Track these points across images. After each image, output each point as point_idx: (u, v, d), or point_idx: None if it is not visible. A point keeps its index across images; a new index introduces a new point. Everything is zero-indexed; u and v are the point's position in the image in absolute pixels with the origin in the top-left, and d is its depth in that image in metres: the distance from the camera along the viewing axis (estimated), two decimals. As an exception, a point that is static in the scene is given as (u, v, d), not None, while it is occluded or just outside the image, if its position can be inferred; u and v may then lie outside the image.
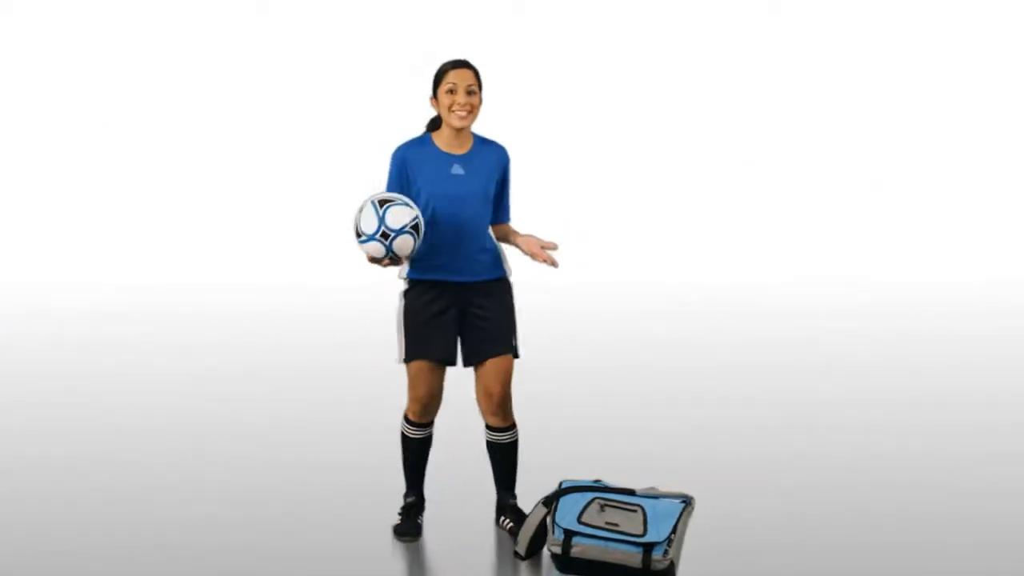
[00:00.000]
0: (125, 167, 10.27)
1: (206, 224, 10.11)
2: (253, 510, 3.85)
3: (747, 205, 10.04)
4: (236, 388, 5.69)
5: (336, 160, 10.05)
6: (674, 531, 3.16)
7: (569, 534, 3.20)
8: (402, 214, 3.28)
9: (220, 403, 5.37)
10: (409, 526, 3.60)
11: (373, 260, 3.35)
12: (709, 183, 10.03)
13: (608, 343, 6.67)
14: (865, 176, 10.17)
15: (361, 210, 3.31)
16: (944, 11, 10.02)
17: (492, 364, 3.53)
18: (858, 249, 9.94)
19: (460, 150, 3.51)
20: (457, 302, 3.50)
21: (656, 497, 3.25)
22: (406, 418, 3.66)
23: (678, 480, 4.09)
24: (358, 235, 3.31)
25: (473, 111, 3.45)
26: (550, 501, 3.29)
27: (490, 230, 3.60)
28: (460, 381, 3.78)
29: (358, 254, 3.39)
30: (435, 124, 3.56)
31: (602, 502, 3.24)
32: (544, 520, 3.29)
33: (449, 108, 3.43)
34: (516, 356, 3.59)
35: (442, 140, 3.51)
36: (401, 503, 3.73)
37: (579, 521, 3.21)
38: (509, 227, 3.66)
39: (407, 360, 3.54)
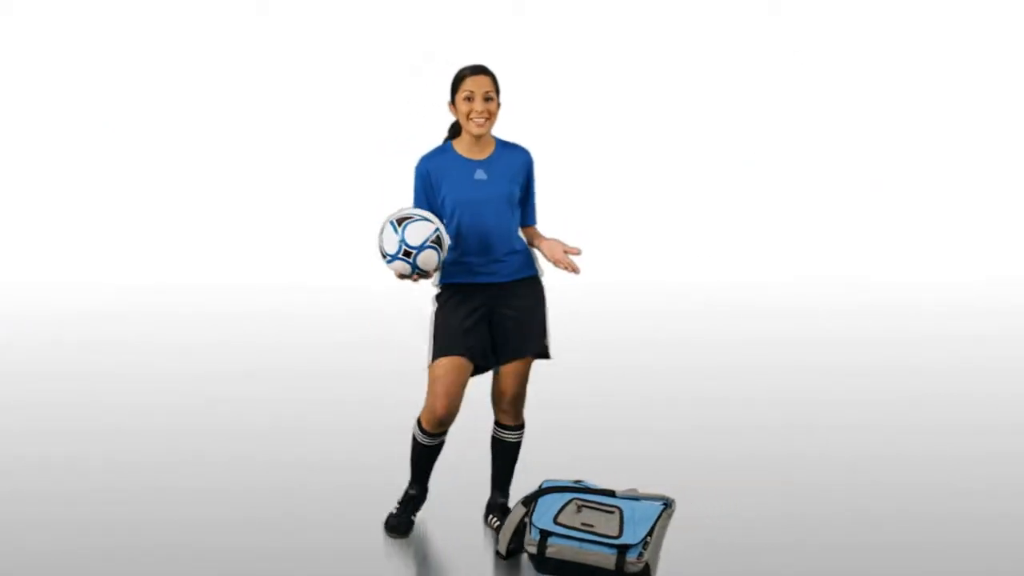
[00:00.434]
0: (125, 167, 10.27)
1: (206, 224, 10.11)
2: (253, 510, 3.85)
3: (747, 205, 10.04)
4: (236, 388, 5.69)
5: (336, 160, 10.06)
6: (650, 534, 3.14)
7: (545, 534, 3.19)
8: (422, 229, 3.29)
9: (220, 403, 5.37)
10: (401, 521, 3.60)
11: (403, 277, 3.36)
12: (709, 183, 10.03)
13: (608, 343, 6.67)
14: (865, 176, 10.17)
15: (382, 231, 3.33)
16: (944, 11, 10.02)
17: (512, 366, 3.54)
18: (858, 249, 9.94)
19: (482, 155, 3.52)
20: (487, 303, 3.50)
21: (636, 499, 3.23)
22: (419, 425, 3.59)
23: (678, 480, 4.10)
24: (383, 256, 3.33)
25: (491, 118, 3.46)
26: (529, 501, 3.30)
27: (520, 232, 3.61)
28: (473, 381, 3.75)
29: (385, 271, 3.40)
30: (456, 130, 3.57)
31: (580, 503, 3.23)
32: (523, 519, 3.28)
33: (468, 116, 3.43)
34: (547, 356, 3.60)
35: (463, 146, 3.52)
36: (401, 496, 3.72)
37: (555, 521, 3.20)
38: (535, 230, 3.66)
39: (435, 359, 3.49)
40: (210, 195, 10.17)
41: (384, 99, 9.87)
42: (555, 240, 3.57)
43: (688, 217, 9.58)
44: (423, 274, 3.34)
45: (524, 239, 3.61)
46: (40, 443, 4.67)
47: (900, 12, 10.04)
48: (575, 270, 3.51)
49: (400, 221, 3.31)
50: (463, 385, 3.50)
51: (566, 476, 3.61)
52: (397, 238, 3.29)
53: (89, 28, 10.16)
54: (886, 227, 10.06)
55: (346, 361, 6.34)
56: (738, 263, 9.14)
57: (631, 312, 7.59)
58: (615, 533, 3.13)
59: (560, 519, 3.20)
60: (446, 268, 3.48)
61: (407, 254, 3.28)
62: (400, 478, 4.12)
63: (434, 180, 3.47)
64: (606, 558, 3.12)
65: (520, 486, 3.74)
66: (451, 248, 3.43)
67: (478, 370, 3.55)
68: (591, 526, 3.16)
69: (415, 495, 3.68)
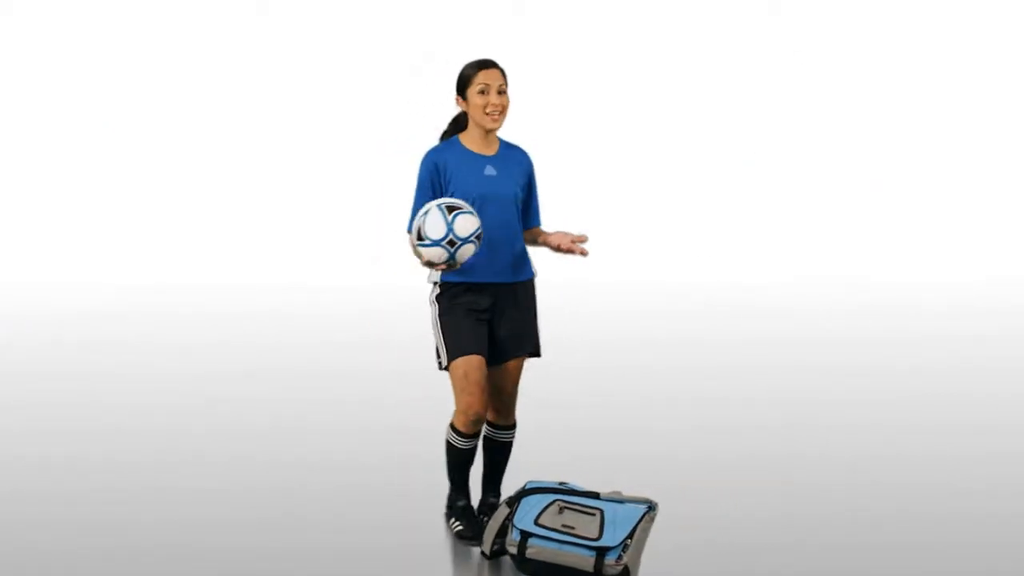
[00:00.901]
0: (125, 167, 10.26)
1: (206, 224, 10.11)
2: (253, 510, 3.85)
3: (747, 205, 10.03)
4: (236, 388, 5.69)
5: (336, 160, 10.06)
6: (630, 536, 3.12)
7: (525, 535, 3.18)
8: (470, 223, 3.25)
9: (220, 403, 5.37)
10: (476, 530, 3.54)
11: (428, 263, 3.30)
12: (709, 183, 10.03)
13: (608, 343, 6.67)
14: (865, 176, 10.17)
15: (427, 213, 3.26)
16: (944, 11, 10.02)
17: (509, 365, 3.53)
18: (858, 249, 9.94)
19: (490, 151, 3.50)
20: (490, 303, 3.49)
21: (621, 502, 3.21)
22: (454, 429, 3.53)
23: (678, 480, 4.10)
24: (420, 238, 3.25)
25: (504, 112, 3.45)
26: (513, 501, 3.29)
27: (524, 233, 3.61)
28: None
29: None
30: (460, 124, 3.55)
31: (562, 504, 3.21)
32: (506, 520, 3.28)
33: (484, 109, 3.42)
34: (539, 355, 3.60)
35: (471, 141, 3.50)
36: (445, 507, 3.71)
37: (536, 523, 3.19)
38: (539, 230, 3.66)
39: (453, 359, 3.45)
40: (210, 195, 10.17)
41: (384, 99, 9.87)
42: (561, 232, 3.57)
43: (688, 217, 9.58)
44: (452, 266, 3.31)
45: (523, 240, 3.61)
46: (40, 443, 4.67)
47: (900, 12, 10.04)
48: (584, 253, 3.52)
49: (451, 209, 3.25)
50: (484, 384, 3.47)
51: (567, 477, 3.61)
52: (445, 225, 3.22)
53: (89, 28, 10.16)
54: (886, 227, 10.05)
55: (346, 361, 6.34)
56: (738, 263, 9.14)
57: (631, 312, 7.59)
58: (595, 535, 3.12)
59: (541, 520, 3.19)
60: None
61: (451, 243, 3.23)
62: (400, 478, 4.12)
63: (443, 172, 3.44)
64: (584, 560, 3.11)
65: (517, 486, 3.73)
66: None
67: None
68: (571, 528, 3.15)
69: (467, 505, 3.63)
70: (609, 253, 9.41)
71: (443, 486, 3.74)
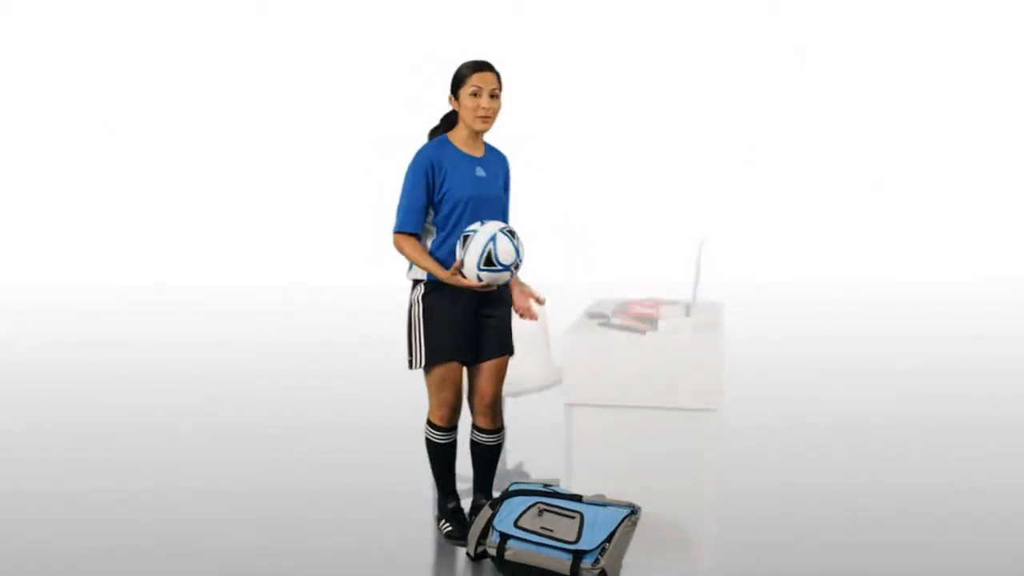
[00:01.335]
0: (125, 167, 10.28)
1: (207, 224, 10.12)
2: (253, 510, 3.85)
3: (747, 205, 10.04)
4: (236, 388, 5.69)
5: (336, 160, 10.07)
6: (609, 540, 3.12)
7: (504, 537, 3.18)
8: (523, 245, 3.33)
9: (220, 403, 5.37)
10: (465, 531, 3.55)
11: (484, 287, 3.31)
12: (709, 183, 10.04)
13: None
14: (865, 176, 10.18)
15: (494, 239, 3.24)
16: (944, 11, 10.03)
17: (490, 365, 3.52)
18: (858, 249, 9.95)
19: (478, 152, 3.50)
20: (473, 303, 3.49)
21: (603, 505, 3.20)
22: (431, 424, 3.56)
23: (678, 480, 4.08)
24: (490, 264, 3.24)
25: (495, 115, 3.44)
26: (496, 503, 3.28)
27: None
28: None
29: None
30: (451, 122, 3.54)
31: (543, 507, 3.20)
32: (488, 522, 3.27)
33: (474, 112, 3.42)
34: (513, 353, 3.61)
35: (461, 141, 3.49)
36: (435, 508, 3.70)
37: (515, 525, 3.18)
38: None
39: (433, 363, 3.46)
40: (210, 195, 10.18)
41: (384, 99, 9.88)
42: (525, 289, 3.61)
43: (688, 217, 9.59)
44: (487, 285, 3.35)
45: None
46: (40, 443, 4.67)
47: (900, 12, 10.05)
48: (533, 318, 3.62)
49: (512, 234, 3.29)
50: (461, 384, 3.53)
51: (567, 478, 3.60)
52: (515, 250, 3.26)
53: (89, 28, 10.17)
54: (886, 227, 10.07)
55: (346, 361, 6.34)
56: (738, 263, 9.14)
57: (631, 312, 7.58)
58: (572, 538, 3.11)
59: (520, 522, 3.18)
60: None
61: (516, 267, 3.28)
62: (398, 478, 4.12)
63: (438, 172, 3.42)
64: (561, 563, 3.09)
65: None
66: (444, 242, 3.40)
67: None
68: (550, 530, 3.14)
69: (456, 506, 3.64)
70: (609, 253, 9.44)
71: (431, 489, 3.73)
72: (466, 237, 3.26)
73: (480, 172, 3.46)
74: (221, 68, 10.21)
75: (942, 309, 8.16)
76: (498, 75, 3.45)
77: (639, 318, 3.30)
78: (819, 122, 10.14)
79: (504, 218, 3.57)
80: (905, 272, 9.56)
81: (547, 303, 3.71)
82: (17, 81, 10.29)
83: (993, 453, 4.53)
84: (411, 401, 5.22)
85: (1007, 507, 3.89)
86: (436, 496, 3.68)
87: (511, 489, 3.32)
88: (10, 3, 10.20)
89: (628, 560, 3.22)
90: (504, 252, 3.24)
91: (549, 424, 4.76)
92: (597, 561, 3.08)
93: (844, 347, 6.72)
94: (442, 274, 3.34)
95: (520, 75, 9.59)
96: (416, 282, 3.49)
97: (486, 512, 3.29)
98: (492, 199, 3.47)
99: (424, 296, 3.46)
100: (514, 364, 3.89)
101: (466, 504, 3.73)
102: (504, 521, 3.20)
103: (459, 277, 3.30)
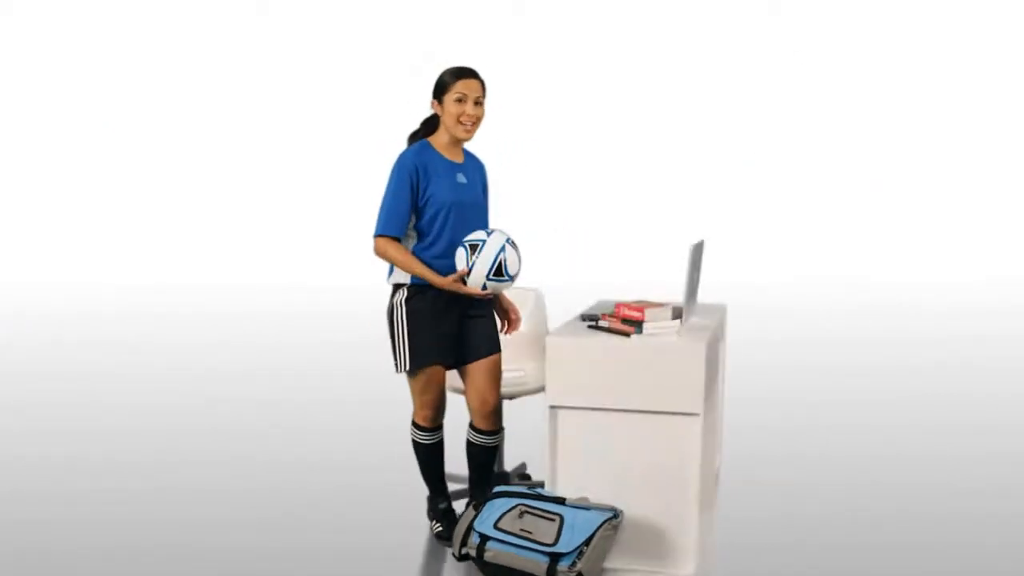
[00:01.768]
0: (125, 167, 10.28)
1: (207, 224, 10.12)
2: (253, 510, 3.85)
3: (747, 205, 10.04)
4: (236, 388, 5.70)
5: (336, 160, 10.07)
6: (587, 543, 3.11)
7: (484, 538, 3.18)
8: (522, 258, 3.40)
9: (220, 403, 5.38)
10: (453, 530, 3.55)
11: (485, 294, 3.34)
12: (709, 183, 10.04)
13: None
14: (865, 176, 10.18)
15: (503, 250, 3.28)
16: (944, 11, 10.03)
17: (486, 367, 3.52)
18: (858, 249, 9.95)
19: (458, 159, 3.50)
20: (458, 305, 3.49)
21: (585, 508, 3.20)
22: (416, 425, 3.60)
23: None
24: (500, 274, 3.29)
25: (478, 123, 3.44)
26: (479, 504, 3.29)
27: None
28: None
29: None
30: (431, 127, 3.53)
31: (524, 508, 3.20)
32: (471, 523, 3.27)
33: (457, 119, 3.41)
34: (500, 351, 3.62)
35: (442, 147, 3.48)
36: (426, 509, 3.70)
37: (495, 527, 3.18)
38: None
39: (417, 367, 3.48)
40: (210, 195, 10.18)
41: (384, 99, 9.88)
42: (511, 305, 3.64)
43: (687, 217, 9.59)
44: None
45: None
46: (40, 443, 4.67)
47: (900, 12, 10.05)
48: (507, 334, 3.68)
49: (515, 245, 3.34)
50: (444, 386, 3.55)
51: (551, 481, 3.59)
52: (519, 260, 3.33)
53: (89, 28, 10.17)
54: (886, 227, 10.06)
55: (346, 361, 6.34)
56: (738, 263, 9.14)
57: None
58: (550, 540, 3.11)
59: (500, 524, 3.19)
60: None
61: (515, 277, 3.34)
62: (398, 478, 4.12)
63: (423, 177, 3.41)
64: (538, 565, 3.09)
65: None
66: (426, 248, 3.40)
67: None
68: (529, 532, 3.14)
69: (447, 507, 3.66)
70: (608, 253, 9.44)
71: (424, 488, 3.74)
72: (474, 246, 3.27)
73: (461, 178, 3.47)
74: (221, 68, 10.21)
75: (942, 309, 8.16)
76: (483, 82, 3.44)
77: (625, 320, 3.30)
78: (819, 122, 10.14)
79: (487, 224, 3.57)
80: (905, 272, 9.56)
81: (548, 304, 3.71)
82: (17, 81, 10.29)
83: (993, 453, 4.53)
84: (411, 401, 5.22)
85: (1007, 507, 3.89)
86: (428, 496, 3.69)
87: (495, 490, 3.32)
88: (10, 3, 10.20)
89: (609, 564, 3.23)
90: (512, 263, 3.30)
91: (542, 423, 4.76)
92: (574, 564, 3.07)
93: (844, 347, 6.72)
94: (438, 280, 3.34)
95: (520, 75, 9.62)
96: (398, 286, 3.49)
97: (469, 513, 3.29)
98: (473, 205, 3.47)
99: (408, 300, 3.46)
100: (514, 364, 3.89)
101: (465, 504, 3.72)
102: (485, 522, 3.21)
103: (460, 284, 3.30)
